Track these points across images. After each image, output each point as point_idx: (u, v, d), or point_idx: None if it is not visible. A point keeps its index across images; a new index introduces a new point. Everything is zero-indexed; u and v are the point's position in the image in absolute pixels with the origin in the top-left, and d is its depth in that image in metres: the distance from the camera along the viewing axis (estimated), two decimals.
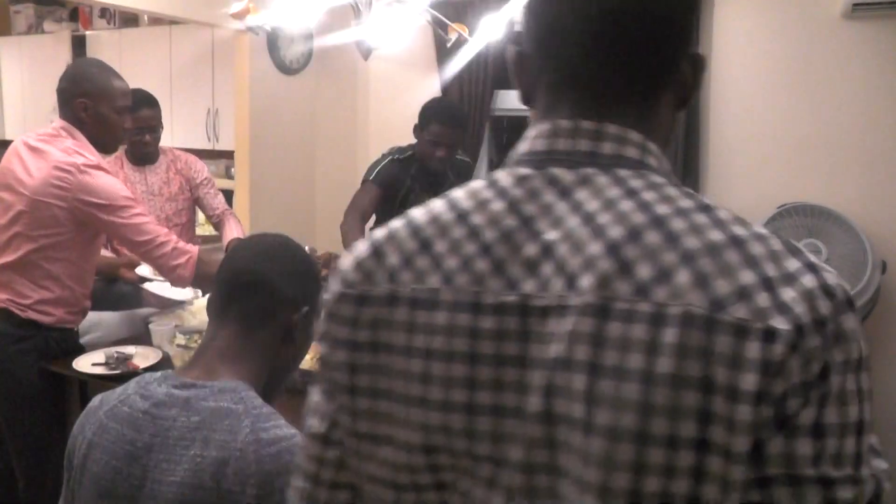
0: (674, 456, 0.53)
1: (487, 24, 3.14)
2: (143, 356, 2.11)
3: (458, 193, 0.67)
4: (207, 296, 1.22)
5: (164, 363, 2.05)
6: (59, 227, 2.01)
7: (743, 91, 3.33)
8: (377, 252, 0.66)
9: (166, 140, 2.95)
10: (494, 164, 4.59)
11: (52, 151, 2.02)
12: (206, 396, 1.04)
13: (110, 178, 2.05)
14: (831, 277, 0.55)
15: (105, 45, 5.12)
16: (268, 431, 1.00)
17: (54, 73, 5.58)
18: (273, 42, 4.06)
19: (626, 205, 0.59)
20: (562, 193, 0.61)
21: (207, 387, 1.05)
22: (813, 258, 0.57)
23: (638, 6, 0.62)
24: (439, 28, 3.15)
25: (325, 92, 4.49)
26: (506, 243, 0.61)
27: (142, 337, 2.32)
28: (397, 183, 2.90)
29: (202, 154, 3.17)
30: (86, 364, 2.05)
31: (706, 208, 0.59)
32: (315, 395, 0.71)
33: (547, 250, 0.59)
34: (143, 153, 2.86)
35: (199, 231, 3.34)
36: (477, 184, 0.67)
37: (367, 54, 2.87)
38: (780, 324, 0.52)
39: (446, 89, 4.22)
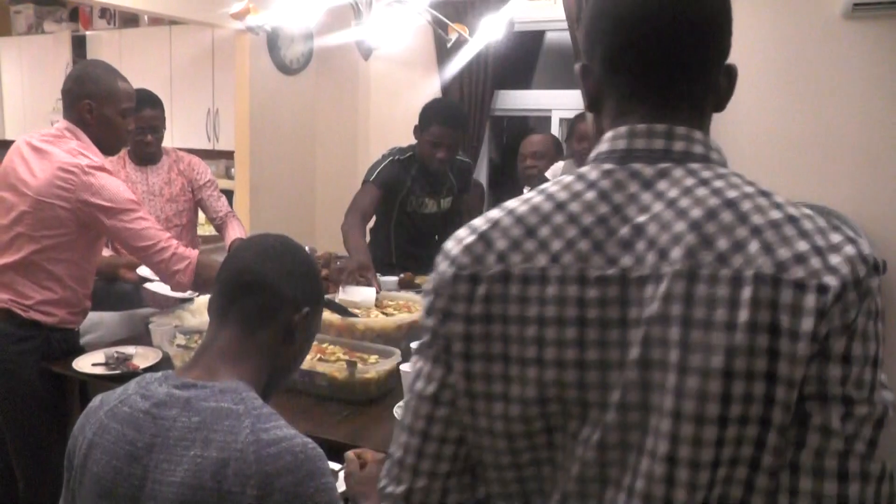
0: (751, 386, 0.68)
1: (487, 24, 3.14)
2: (143, 356, 2.11)
3: (553, 188, 0.80)
4: (208, 295, 1.22)
5: (164, 363, 2.05)
6: (62, 228, 2.01)
7: (743, 91, 3.31)
8: (484, 239, 0.79)
9: (166, 140, 2.94)
10: (494, 164, 4.59)
11: (56, 152, 2.02)
12: (206, 397, 1.04)
13: (114, 181, 2.05)
14: (865, 248, 0.71)
15: (105, 46, 5.12)
16: (268, 432, 1.00)
17: (54, 74, 5.58)
18: (273, 42, 4.06)
19: (701, 191, 0.73)
20: (644, 185, 0.76)
21: (208, 387, 1.05)
22: (850, 233, 0.72)
23: (693, 32, 0.77)
24: (439, 28, 3.15)
25: (325, 92, 4.49)
26: (601, 226, 0.75)
27: (142, 337, 2.32)
28: (398, 184, 2.90)
29: (202, 154, 3.16)
30: (86, 364, 2.05)
31: (765, 193, 0.74)
32: (420, 363, 0.83)
33: (638, 231, 0.73)
34: (146, 153, 2.86)
35: (200, 231, 3.33)
36: (567, 178, 0.80)
37: (367, 54, 2.87)
38: (830, 281, 0.68)
39: (446, 89, 4.22)
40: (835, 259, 0.69)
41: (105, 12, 5.14)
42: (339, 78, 4.50)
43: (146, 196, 2.86)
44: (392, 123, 4.31)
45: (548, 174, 3.02)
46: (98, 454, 1.05)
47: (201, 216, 3.14)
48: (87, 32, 5.27)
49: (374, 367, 1.87)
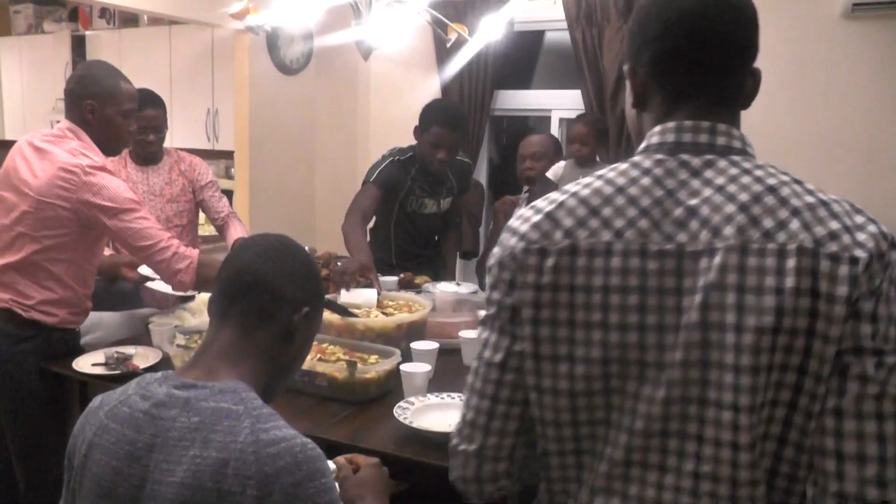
0: (794, 340, 0.81)
1: (487, 24, 3.13)
2: (143, 356, 2.11)
3: (610, 174, 0.92)
4: (209, 294, 1.22)
5: (164, 363, 2.05)
6: (63, 229, 2.01)
7: None
8: (550, 217, 0.91)
9: (166, 140, 2.94)
10: (494, 164, 4.59)
11: (57, 152, 2.02)
12: (206, 397, 1.04)
13: (115, 181, 2.05)
14: (884, 227, 0.84)
15: (105, 46, 5.12)
16: (268, 432, 1.00)
17: (54, 74, 5.57)
18: (273, 42, 4.06)
19: (745, 179, 0.86)
20: (692, 173, 0.88)
21: (208, 387, 1.05)
22: (870, 214, 0.86)
23: (731, 39, 0.90)
24: (439, 28, 3.15)
25: (325, 92, 4.49)
26: (658, 208, 0.87)
27: (142, 337, 2.32)
28: (398, 184, 2.90)
29: (202, 154, 3.16)
30: (86, 364, 2.05)
31: (798, 181, 0.87)
32: (486, 333, 0.95)
33: (691, 212, 0.86)
34: (148, 153, 2.86)
35: (200, 231, 3.33)
36: (622, 166, 0.92)
37: (367, 54, 2.87)
38: (860, 254, 0.81)
39: (446, 89, 4.22)
40: (861, 236, 0.82)
41: (105, 12, 5.13)
42: (339, 78, 4.50)
43: (147, 196, 2.86)
44: (392, 123, 4.31)
45: (549, 174, 3.02)
46: (98, 455, 1.05)
47: (201, 216, 3.14)
48: (87, 32, 5.26)
49: (374, 367, 1.87)
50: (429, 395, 1.77)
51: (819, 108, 3.34)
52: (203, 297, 2.41)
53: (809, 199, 0.85)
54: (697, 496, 0.86)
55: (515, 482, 0.98)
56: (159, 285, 2.39)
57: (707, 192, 0.86)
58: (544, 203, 0.93)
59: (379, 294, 2.40)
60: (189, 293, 2.45)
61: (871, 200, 3.16)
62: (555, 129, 4.17)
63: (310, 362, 1.86)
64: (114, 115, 2.10)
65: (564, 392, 0.89)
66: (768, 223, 0.83)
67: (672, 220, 0.86)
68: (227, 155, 4.57)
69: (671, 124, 0.91)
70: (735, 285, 0.82)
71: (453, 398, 1.76)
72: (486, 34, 3.17)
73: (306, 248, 1.40)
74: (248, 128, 4.07)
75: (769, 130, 3.31)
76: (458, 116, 2.91)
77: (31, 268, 2.03)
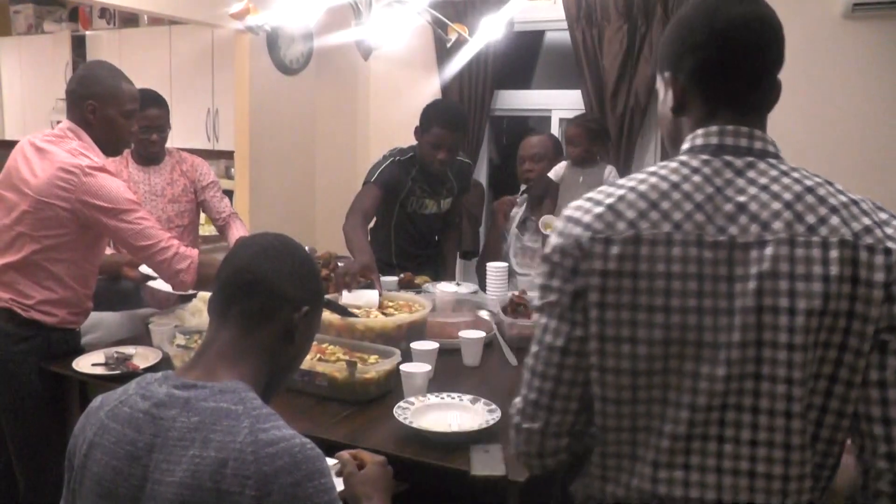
0: (836, 321, 0.93)
1: (487, 24, 3.13)
2: (143, 356, 2.11)
3: (663, 171, 1.01)
4: (209, 293, 1.22)
5: (164, 363, 2.05)
6: (63, 229, 2.01)
7: None
8: (613, 209, 0.99)
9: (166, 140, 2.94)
10: (494, 164, 4.59)
11: (57, 152, 2.02)
12: (206, 397, 1.04)
13: (115, 181, 2.05)
14: None
15: (105, 46, 5.12)
16: (267, 432, 1.00)
17: (54, 74, 5.57)
18: (273, 42, 4.06)
19: (786, 180, 0.98)
20: (736, 173, 0.99)
21: (207, 387, 1.05)
22: (892, 211, 0.98)
23: (767, 51, 1.03)
24: (439, 28, 3.15)
25: (325, 92, 4.48)
26: (710, 203, 0.97)
27: (142, 337, 2.32)
28: (398, 184, 2.90)
29: (202, 154, 3.16)
30: (86, 364, 2.05)
31: (829, 182, 0.99)
32: (545, 319, 1.03)
33: (741, 208, 0.96)
34: (150, 153, 2.86)
35: (201, 231, 3.33)
36: (672, 164, 1.02)
37: (367, 54, 2.87)
38: (892, 245, 0.93)
39: (446, 89, 4.22)
40: (889, 230, 0.95)
41: (105, 12, 5.13)
42: (339, 78, 4.50)
43: (148, 196, 2.86)
44: (392, 123, 4.31)
45: (550, 175, 3.02)
46: (98, 455, 1.05)
47: (202, 216, 3.14)
48: (87, 32, 5.26)
49: (374, 367, 1.87)
50: (429, 395, 1.77)
51: (819, 107, 3.34)
52: (203, 297, 2.41)
53: (843, 198, 0.97)
54: (754, 461, 0.96)
55: (571, 455, 1.08)
56: (160, 284, 2.39)
57: (753, 190, 0.97)
58: (602, 196, 1.01)
59: (381, 295, 2.40)
60: (190, 292, 2.45)
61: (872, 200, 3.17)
62: (555, 130, 4.17)
63: (310, 362, 1.86)
64: (115, 115, 2.10)
65: (627, 371, 0.98)
66: (811, 219, 0.94)
67: (723, 214, 0.96)
68: (227, 155, 4.57)
69: (714, 128, 1.02)
70: (787, 273, 0.93)
71: (453, 398, 1.76)
72: (486, 34, 3.17)
73: (307, 248, 1.40)
74: (248, 128, 4.06)
75: (769, 130, 3.31)
76: (459, 117, 2.91)
77: (32, 267, 2.03)
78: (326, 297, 2.19)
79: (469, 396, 1.76)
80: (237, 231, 2.86)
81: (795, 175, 0.99)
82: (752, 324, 0.93)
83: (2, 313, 2.04)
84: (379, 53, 3.19)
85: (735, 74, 1.02)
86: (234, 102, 4.13)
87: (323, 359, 1.94)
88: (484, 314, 2.48)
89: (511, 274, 3.02)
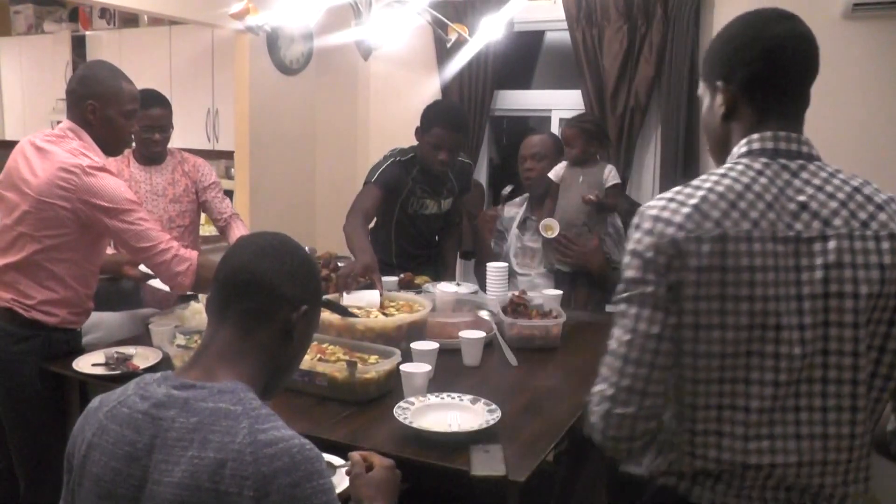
0: (889, 301, 1.10)
1: (487, 24, 3.13)
2: (143, 356, 2.11)
3: (733, 174, 1.13)
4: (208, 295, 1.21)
5: (164, 363, 2.05)
6: (63, 229, 2.01)
7: None
8: (699, 210, 1.09)
9: None
10: (494, 164, 4.58)
11: (57, 152, 2.02)
12: (205, 397, 1.04)
13: (115, 181, 2.05)
14: None
15: (105, 46, 5.12)
16: (266, 433, 1.00)
17: (54, 74, 5.57)
18: (273, 42, 4.06)
19: (835, 181, 1.13)
20: (792, 174, 1.13)
21: (207, 388, 1.05)
22: None
23: (810, 63, 1.17)
24: (439, 28, 3.15)
25: (325, 92, 4.48)
26: (777, 202, 1.10)
27: (142, 337, 2.32)
28: (399, 185, 2.90)
29: (202, 154, 3.16)
30: (86, 364, 2.05)
31: (868, 182, 1.14)
32: (635, 308, 1.12)
33: (803, 206, 1.10)
34: (152, 152, 2.86)
35: (201, 231, 3.33)
36: (739, 167, 1.14)
37: (367, 54, 2.86)
38: None
39: (446, 89, 4.22)
40: None
41: (105, 12, 5.14)
42: (339, 78, 4.50)
43: (149, 196, 2.86)
44: (392, 123, 4.30)
45: (551, 175, 3.02)
46: (97, 455, 1.05)
47: (202, 217, 3.14)
48: (87, 32, 5.26)
49: (374, 367, 1.87)
50: (429, 395, 1.77)
51: (819, 107, 3.32)
52: (204, 297, 2.41)
53: (883, 196, 1.13)
54: (826, 425, 1.11)
55: (652, 438, 1.19)
56: (160, 283, 2.40)
57: (809, 190, 1.11)
58: (683, 197, 1.12)
59: (382, 296, 2.40)
60: (189, 293, 2.45)
61: None
62: (555, 130, 4.16)
63: (310, 362, 1.86)
64: (115, 115, 2.10)
65: (717, 354, 1.10)
66: (863, 215, 1.09)
67: (788, 212, 1.10)
68: (228, 155, 4.57)
69: (768, 133, 1.15)
70: (850, 263, 1.08)
71: (453, 398, 1.76)
72: (486, 34, 3.16)
73: (307, 248, 1.39)
74: (248, 128, 4.06)
75: None
76: (460, 118, 2.91)
77: (33, 267, 2.03)
78: (327, 297, 2.20)
79: (469, 396, 1.76)
80: (238, 232, 2.86)
81: (841, 176, 1.13)
82: (820, 308, 1.08)
83: (3, 313, 2.04)
84: (379, 53, 3.19)
85: (782, 86, 1.16)
86: (234, 102, 4.13)
87: (323, 359, 1.94)
88: (484, 314, 2.48)
89: (511, 274, 3.02)
